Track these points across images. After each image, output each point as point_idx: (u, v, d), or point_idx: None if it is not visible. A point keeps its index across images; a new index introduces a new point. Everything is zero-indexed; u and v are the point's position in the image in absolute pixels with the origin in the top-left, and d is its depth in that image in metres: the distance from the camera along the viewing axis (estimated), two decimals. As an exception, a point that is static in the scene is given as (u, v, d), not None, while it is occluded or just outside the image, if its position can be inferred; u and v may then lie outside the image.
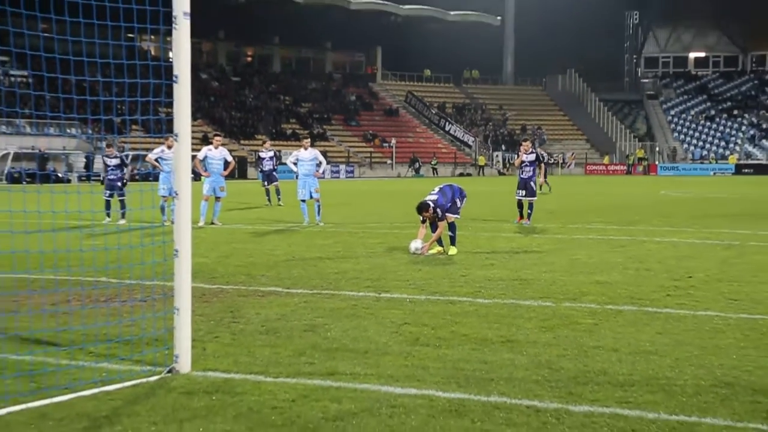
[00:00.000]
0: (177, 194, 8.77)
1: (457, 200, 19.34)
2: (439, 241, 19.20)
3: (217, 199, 26.17)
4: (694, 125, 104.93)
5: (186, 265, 8.67)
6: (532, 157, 25.31)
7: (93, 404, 7.51)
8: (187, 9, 8.37)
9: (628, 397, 7.73)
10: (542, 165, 26.67)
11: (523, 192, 25.16)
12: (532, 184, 25.00)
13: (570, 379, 8.34)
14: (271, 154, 35.33)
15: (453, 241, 19.03)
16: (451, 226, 19.07)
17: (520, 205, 25.40)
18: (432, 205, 18.39)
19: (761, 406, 7.46)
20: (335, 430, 6.96)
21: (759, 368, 8.74)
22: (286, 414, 7.29)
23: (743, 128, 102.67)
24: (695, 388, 8.01)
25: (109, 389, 7.95)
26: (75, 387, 7.92)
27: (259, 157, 37.55)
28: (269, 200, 34.01)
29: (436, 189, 19.37)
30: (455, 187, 19.69)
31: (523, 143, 26.71)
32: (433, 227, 19.05)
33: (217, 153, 26.06)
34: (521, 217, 25.16)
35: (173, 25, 8.40)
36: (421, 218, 18.74)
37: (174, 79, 8.45)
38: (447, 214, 18.80)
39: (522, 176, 25.23)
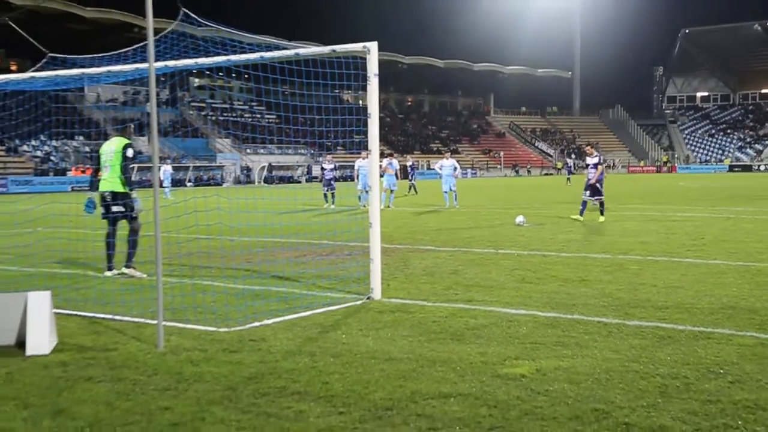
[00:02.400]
0: (370, 188, 9.85)
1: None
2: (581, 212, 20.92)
3: (391, 191, 29.39)
4: (700, 140, 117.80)
5: (376, 232, 9.48)
6: (596, 159, 21.53)
7: (323, 317, 8.27)
8: (376, 71, 9.23)
9: (665, 316, 8.11)
10: (600, 167, 21.51)
11: (588, 193, 21.29)
12: (597, 185, 21.06)
13: (625, 304, 8.76)
14: (333, 166, 31.10)
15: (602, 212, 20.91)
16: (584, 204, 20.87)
17: (584, 202, 21.17)
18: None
19: (754, 320, 7.87)
20: (473, 335, 7.32)
21: (752, 296, 9.25)
22: (441, 325, 7.79)
23: (733, 141, 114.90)
24: (709, 309, 8.44)
25: (332, 309, 8.71)
26: (311, 307, 8.73)
27: (322, 167, 32.55)
28: (327, 202, 29.05)
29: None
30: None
31: (587, 148, 22.76)
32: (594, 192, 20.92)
33: (384, 161, 29.35)
34: (581, 213, 20.86)
35: (368, 82, 9.24)
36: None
37: (368, 115, 9.31)
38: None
39: (588, 179, 21.39)
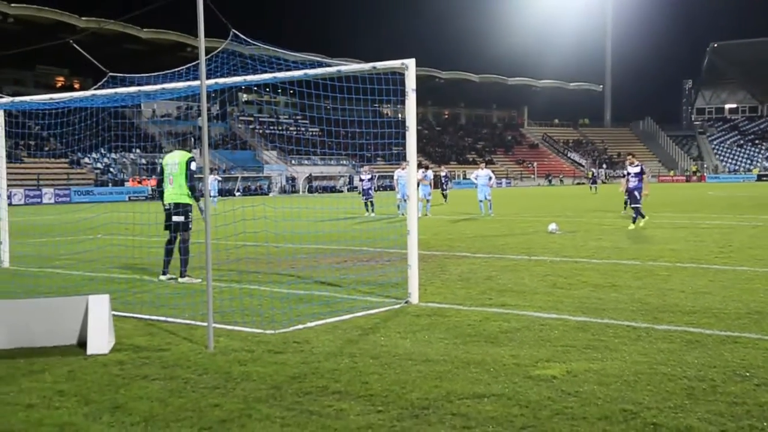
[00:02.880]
0: (408, 197, 9.87)
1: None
2: (634, 220, 20.67)
3: (427, 201, 29.01)
4: (729, 150, 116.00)
5: (414, 240, 9.48)
6: (638, 169, 21.36)
7: (363, 320, 8.29)
8: (414, 86, 9.26)
9: (693, 321, 7.98)
10: (645, 177, 21.46)
11: (629, 199, 21.69)
12: (636, 193, 20.95)
13: (654, 309, 8.65)
14: (370, 176, 30.75)
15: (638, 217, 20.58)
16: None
17: (626, 204, 21.86)
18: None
19: None
20: (507, 338, 7.28)
21: None
22: (476, 328, 7.77)
23: (761, 151, 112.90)
24: (736, 314, 8.29)
25: (372, 312, 8.72)
26: (352, 310, 8.75)
27: (360, 178, 32.58)
28: (368, 210, 29.02)
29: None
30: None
31: (629, 157, 22.49)
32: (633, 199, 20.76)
33: (420, 172, 28.42)
34: (625, 209, 20.81)
35: (406, 96, 9.28)
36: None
37: (407, 128, 9.30)
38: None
39: (629, 186, 21.33)
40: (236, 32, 9.00)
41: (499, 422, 4.96)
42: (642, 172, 21.43)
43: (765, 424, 4.90)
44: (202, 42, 7.24)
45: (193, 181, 11.63)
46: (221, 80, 10.43)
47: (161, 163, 12.10)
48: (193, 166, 11.67)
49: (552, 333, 7.56)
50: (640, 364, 6.33)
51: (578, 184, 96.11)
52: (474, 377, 6.01)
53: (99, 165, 65.39)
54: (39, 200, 53.71)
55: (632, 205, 21.20)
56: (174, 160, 11.80)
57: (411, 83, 9.29)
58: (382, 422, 5.00)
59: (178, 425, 5.03)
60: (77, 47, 13.66)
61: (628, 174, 21.61)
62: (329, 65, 10.33)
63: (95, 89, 12.26)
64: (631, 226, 20.46)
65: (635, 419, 4.98)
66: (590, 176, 73.00)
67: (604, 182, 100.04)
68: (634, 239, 17.62)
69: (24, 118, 18.04)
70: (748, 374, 5.99)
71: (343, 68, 9.93)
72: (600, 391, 5.58)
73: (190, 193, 11.63)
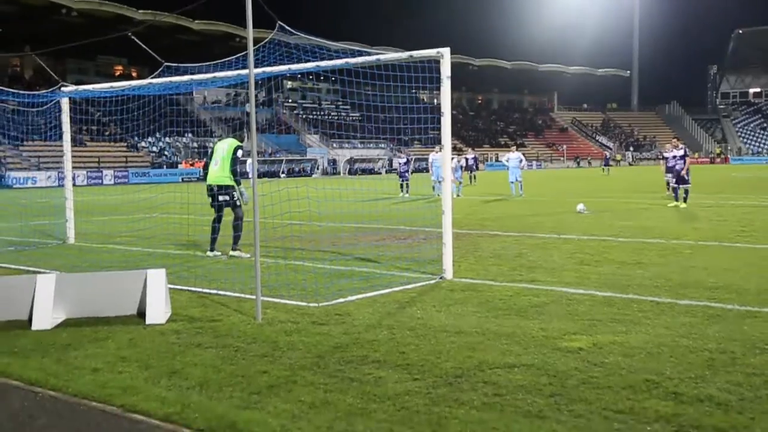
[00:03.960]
0: (443, 179, 9.81)
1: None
2: (676, 198, 20.83)
3: (459, 183, 29.04)
4: (752, 133, 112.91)
5: (448, 219, 9.48)
6: (681, 152, 21.33)
7: (400, 295, 8.30)
8: (449, 73, 9.19)
9: (715, 296, 7.85)
10: (688, 159, 21.29)
11: (674, 180, 21.42)
12: (684, 174, 20.84)
13: (677, 285, 8.54)
14: (405, 159, 30.73)
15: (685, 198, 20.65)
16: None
17: (675, 189, 21.40)
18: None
19: None
20: (536, 312, 7.25)
21: None
22: (507, 303, 7.73)
23: None
24: (757, 290, 8.15)
25: (408, 287, 8.70)
26: (390, 285, 8.78)
27: (397, 161, 32.52)
28: (402, 191, 29.00)
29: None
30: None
31: (673, 140, 22.60)
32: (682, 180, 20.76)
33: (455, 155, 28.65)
34: (676, 199, 20.92)
35: (441, 83, 9.21)
36: None
37: (442, 114, 9.27)
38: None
39: (676, 168, 21.24)
40: (282, 24, 9.03)
41: (528, 390, 4.98)
42: (686, 155, 21.52)
43: (783, 394, 4.85)
44: (250, 33, 7.28)
45: (236, 165, 11.80)
46: (268, 69, 10.48)
47: (212, 147, 12.28)
48: (239, 153, 11.82)
49: (579, 307, 7.51)
50: (662, 336, 6.28)
51: (606, 166, 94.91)
52: (505, 348, 6.02)
53: (154, 149, 66.16)
54: (100, 181, 54.58)
55: (682, 186, 21.13)
56: (224, 146, 11.98)
57: (446, 71, 9.22)
58: (419, 389, 5.05)
59: (230, 389, 5.13)
60: (135, 39, 13.75)
61: (674, 157, 21.62)
62: (369, 54, 10.31)
63: (152, 78, 12.40)
64: (683, 205, 20.63)
65: (657, 388, 4.96)
66: (619, 159, 72.00)
67: (630, 164, 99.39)
68: (659, 218, 17.38)
69: (86, 104, 18.36)
70: (766, 347, 5.91)
71: (382, 57, 9.90)
72: (624, 362, 5.56)
73: (231, 176, 11.77)
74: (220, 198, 11.76)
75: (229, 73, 11.45)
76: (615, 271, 9.79)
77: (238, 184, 11.84)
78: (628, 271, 9.75)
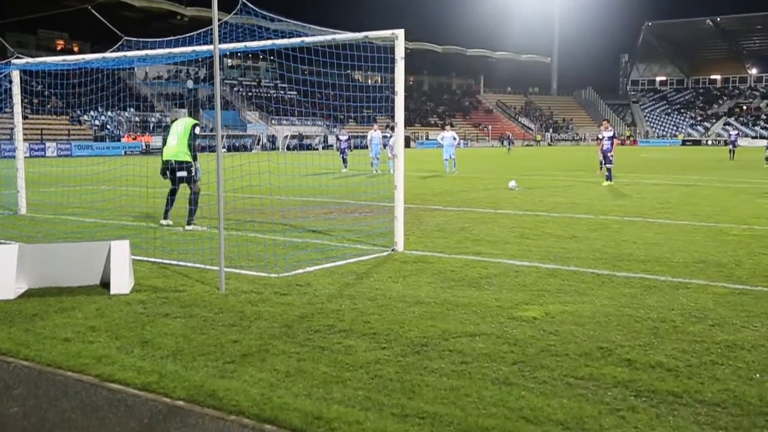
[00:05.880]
0: (396, 155, 9.66)
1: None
2: (608, 177, 21.11)
3: (376, 159, 28.23)
4: (658, 118, 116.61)
5: (401, 194, 9.40)
6: (611, 133, 21.51)
7: (356, 266, 8.20)
8: (403, 54, 9.18)
9: (647, 268, 8.00)
10: (616, 140, 21.69)
11: (603, 160, 21.74)
12: (609, 155, 21.20)
13: (612, 258, 8.67)
14: (347, 137, 30.43)
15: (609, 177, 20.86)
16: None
17: (602, 164, 22.06)
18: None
19: (723, 272, 7.80)
20: (487, 283, 7.22)
21: (718, 252, 9.17)
22: (458, 274, 7.71)
23: (686, 119, 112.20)
24: (684, 263, 8.37)
25: (363, 259, 8.63)
26: (345, 257, 8.66)
27: (337, 137, 32.05)
28: (345, 167, 28.49)
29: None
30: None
31: (604, 122, 22.71)
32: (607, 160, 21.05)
33: (386, 132, 27.95)
34: (600, 169, 21.61)
35: (395, 64, 9.13)
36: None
37: (395, 93, 9.24)
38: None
39: (604, 148, 21.53)
40: (246, 2, 8.70)
41: (492, 358, 4.96)
42: (614, 136, 21.73)
43: (723, 359, 4.97)
44: (215, 12, 6.98)
45: (193, 141, 11.46)
46: (224, 46, 10.12)
47: (170, 124, 11.94)
48: (197, 130, 11.52)
49: (527, 278, 7.55)
50: (608, 306, 6.37)
51: (527, 145, 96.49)
52: (464, 318, 6.00)
53: (97, 122, 63.84)
54: (42, 153, 52.36)
55: (607, 165, 21.49)
56: (181, 125, 11.69)
57: (400, 51, 9.13)
58: (388, 357, 4.98)
59: (204, 359, 4.95)
60: (95, 13, 13.19)
61: (603, 138, 21.78)
62: (324, 34, 10.06)
63: (113, 50, 11.89)
64: (605, 183, 21.06)
65: (611, 356, 5.01)
66: (539, 139, 72.98)
67: (550, 144, 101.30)
68: (584, 196, 17.70)
69: (28, 77, 17.47)
70: (702, 316, 6.06)
71: (338, 36, 9.67)
72: (577, 331, 5.60)
73: (189, 152, 11.44)
74: (179, 173, 11.41)
75: (185, 49, 11.02)
76: (554, 244, 9.88)
77: (195, 159, 11.50)
78: (566, 244, 9.85)
